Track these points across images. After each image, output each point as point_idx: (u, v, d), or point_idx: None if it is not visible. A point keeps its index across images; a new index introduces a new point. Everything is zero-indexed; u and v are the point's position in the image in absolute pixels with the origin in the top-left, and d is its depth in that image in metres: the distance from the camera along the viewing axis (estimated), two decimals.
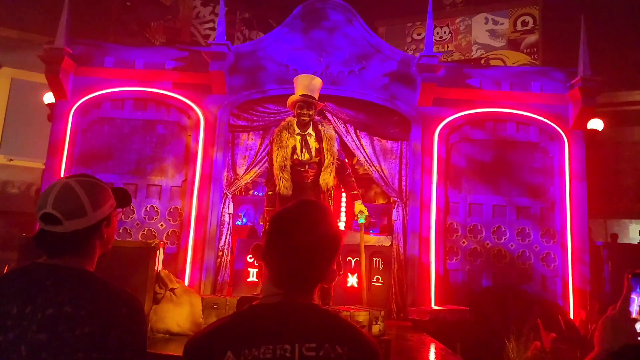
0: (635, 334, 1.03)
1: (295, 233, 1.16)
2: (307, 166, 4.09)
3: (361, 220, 4.14)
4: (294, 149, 4.08)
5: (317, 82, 4.20)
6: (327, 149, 4.09)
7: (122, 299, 1.25)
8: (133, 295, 1.29)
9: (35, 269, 1.26)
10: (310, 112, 4.09)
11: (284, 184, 4.02)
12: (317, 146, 4.10)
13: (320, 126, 4.17)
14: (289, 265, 1.15)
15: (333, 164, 4.09)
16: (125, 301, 1.25)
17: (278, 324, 1.10)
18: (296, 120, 4.13)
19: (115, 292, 1.26)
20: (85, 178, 1.35)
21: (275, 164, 4.08)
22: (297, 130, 4.13)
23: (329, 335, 1.10)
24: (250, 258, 5.10)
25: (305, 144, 4.11)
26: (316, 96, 4.16)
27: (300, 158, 4.07)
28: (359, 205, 4.16)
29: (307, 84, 4.12)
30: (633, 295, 1.06)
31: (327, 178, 4.07)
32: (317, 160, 4.12)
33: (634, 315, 1.05)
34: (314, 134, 4.13)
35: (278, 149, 4.10)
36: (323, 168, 4.08)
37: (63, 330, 1.15)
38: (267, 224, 1.25)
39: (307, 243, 1.15)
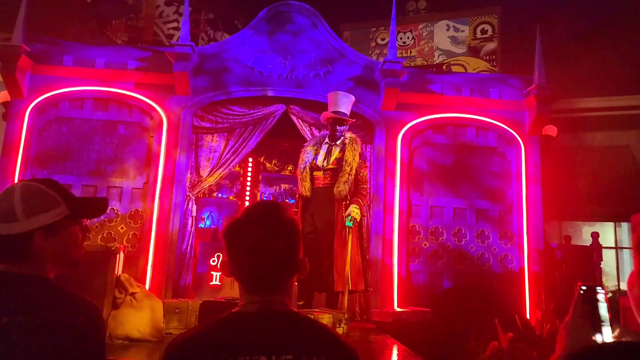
0: (590, 336, 1.06)
1: (247, 233, 1.15)
2: (322, 172, 4.38)
3: (348, 224, 4.22)
4: (316, 154, 4.43)
5: (349, 98, 4.53)
6: (346, 160, 4.31)
7: (78, 307, 1.21)
8: (91, 302, 1.25)
9: None
10: (342, 127, 4.44)
11: (304, 186, 4.40)
12: (339, 156, 4.36)
13: (348, 140, 4.43)
14: (251, 267, 1.15)
15: (350, 174, 4.28)
16: (82, 309, 1.21)
17: (255, 334, 1.10)
18: (329, 134, 4.47)
19: (71, 299, 1.22)
20: (33, 183, 1.29)
21: (299, 168, 4.52)
22: (327, 140, 4.50)
23: (307, 345, 1.10)
24: (213, 262, 5.04)
25: (328, 152, 4.42)
26: (347, 110, 4.47)
27: (318, 163, 4.39)
28: (352, 208, 4.24)
29: (337, 100, 4.46)
30: (599, 300, 1.09)
31: (341, 187, 4.26)
32: (333, 167, 4.35)
33: (603, 319, 1.08)
34: (341, 146, 4.42)
35: (302, 154, 4.53)
36: (339, 176, 4.29)
37: (17, 340, 1.11)
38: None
39: (261, 238, 1.14)
